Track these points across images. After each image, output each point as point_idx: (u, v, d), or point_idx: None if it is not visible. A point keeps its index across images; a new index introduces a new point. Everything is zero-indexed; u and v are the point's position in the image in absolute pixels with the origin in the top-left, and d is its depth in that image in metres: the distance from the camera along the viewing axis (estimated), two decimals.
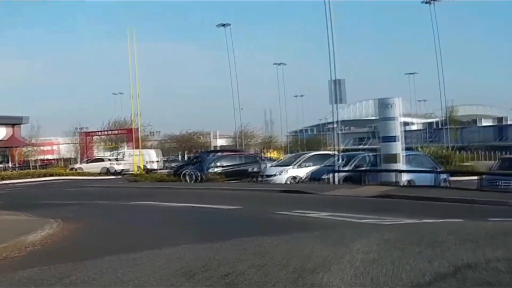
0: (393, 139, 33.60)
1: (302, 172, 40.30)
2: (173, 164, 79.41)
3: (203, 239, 14.87)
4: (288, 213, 21.41)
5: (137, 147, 73.55)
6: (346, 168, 37.47)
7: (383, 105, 34.01)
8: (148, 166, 76.29)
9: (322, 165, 40.21)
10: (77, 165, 79.82)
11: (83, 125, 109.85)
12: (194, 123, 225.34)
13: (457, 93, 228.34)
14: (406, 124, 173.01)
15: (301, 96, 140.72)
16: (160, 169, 77.73)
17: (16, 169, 74.43)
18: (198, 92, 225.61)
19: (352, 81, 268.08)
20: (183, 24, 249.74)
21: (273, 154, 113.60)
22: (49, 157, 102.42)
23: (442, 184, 34.65)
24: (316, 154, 43.96)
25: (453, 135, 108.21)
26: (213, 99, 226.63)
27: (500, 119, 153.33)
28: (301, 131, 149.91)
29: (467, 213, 21.68)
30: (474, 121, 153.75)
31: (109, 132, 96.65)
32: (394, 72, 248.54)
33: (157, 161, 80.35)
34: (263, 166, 47.55)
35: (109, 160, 77.29)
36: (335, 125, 39.99)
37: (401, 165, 33.75)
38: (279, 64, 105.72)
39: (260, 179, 42.71)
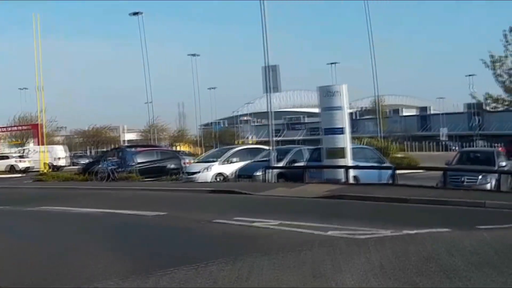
0: (339, 131, 29.30)
1: (230, 168, 35.84)
2: (81, 161, 74.50)
3: (135, 268, 11.54)
4: (228, 222, 17.76)
5: (43, 143, 67.49)
6: (281, 164, 33.00)
7: (327, 93, 29.69)
8: (54, 163, 71.13)
9: (252, 160, 36.03)
10: None
11: None
12: (103, 118, 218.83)
13: (380, 84, 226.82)
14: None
15: (214, 88, 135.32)
16: (67, 166, 73.29)
17: None
18: (109, 86, 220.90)
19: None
20: (93, 18, 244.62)
21: (185, 148, 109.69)
22: None
23: (390, 181, 30.62)
24: (243, 149, 39.36)
25: (383, 125, 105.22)
26: (123, 93, 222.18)
27: (423, 108, 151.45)
28: (213, 124, 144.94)
29: (447, 219, 18.61)
30: (396, 111, 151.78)
31: (13, 128, 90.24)
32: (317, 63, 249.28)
33: (64, 158, 74.47)
34: (182, 162, 42.77)
35: (14, 157, 70.65)
36: (269, 117, 35.11)
37: (349, 161, 29.39)
38: (193, 55, 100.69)
39: (181, 177, 38.02)
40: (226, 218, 18.27)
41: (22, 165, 67.64)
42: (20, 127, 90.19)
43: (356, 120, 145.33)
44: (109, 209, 22.43)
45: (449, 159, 30.45)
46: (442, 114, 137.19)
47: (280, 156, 34.89)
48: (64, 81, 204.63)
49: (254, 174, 33.36)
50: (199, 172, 35.61)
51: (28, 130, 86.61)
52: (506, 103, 40.41)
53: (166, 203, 25.01)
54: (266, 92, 33.08)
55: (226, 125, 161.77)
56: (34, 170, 63.05)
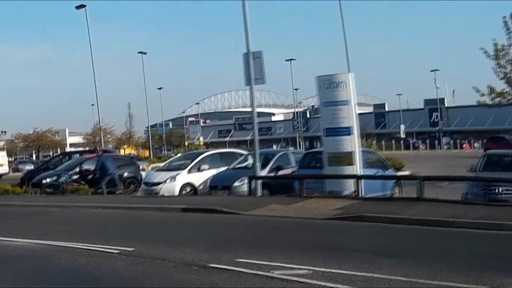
0: (345, 131, 23.04)
1: (200, 178, 29.36)
2: (26, 167, 67.37)
3: None
4: (233, 268, 11.89)
5: None
6: (264, 172, 26.64)
7: (329, 84, 23.40)
8: None
9: (226, 167, 29.64)
10: None
11: None
12: (46, 121, 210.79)
13: None
14: (270, 114, 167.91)
15: (160, 88, 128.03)
16: (7, 173, 65.99)
17: None
18: (52, 89, 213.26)
19: (217, 70, 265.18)
20: (35, 20, 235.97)
21: (131, 151, 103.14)
22: None
23: (394, 191, 24.95)
24: (214, 153, 32.22)
25: None
26: (68, 95, 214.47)
27: (380, 106, 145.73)
28: (160, 125, 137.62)
29: None
30: None
31: None
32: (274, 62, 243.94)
33: (3, 165, 66.66)
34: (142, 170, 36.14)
35: None
36: (254, 115, 28.43)
37: (358, 168, 23.16)
38: (142, 53, 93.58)
39: (140, 188, 31.35)
40: (226, 260, 12.59)
41: None
42: None
43: (309, 118, 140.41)
44: (55, 241, 16.28)
45: (473, 165, 24.03)
46: (400, 110, 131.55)
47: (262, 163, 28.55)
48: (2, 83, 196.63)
49: (233, 185, 27.01)
50: (162, 182, 28.95)
51: None
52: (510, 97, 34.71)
53: (131, 229, 19.02)
54: (249, 84, 26.58)
55: (172, 126, 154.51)
56: None
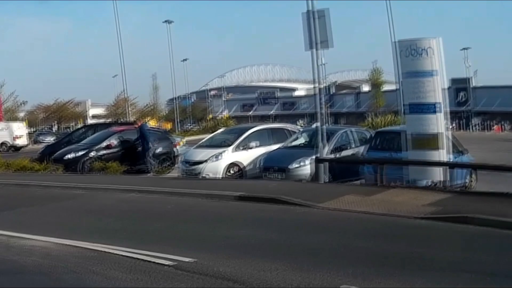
0: (430, 108, 18.54)
1: (248, 156, 25.10)
2: (46, 139, 63.42)
3: None
4: None
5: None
6: (325, 153, 22.26)
7: (411, 50, 18.86)
8: (12, 143, 60.50)
9: (279, 145, 25.37)
10: None
11: None
12: (67, 92, 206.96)
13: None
14: (292, 90, 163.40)
15: (185, 60, 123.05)
16: (28, 145, 62.79)
17: None
18: (74, 61, 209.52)
19: (236, 46, 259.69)
20: None
21: (152, 124, 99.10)
22: None
23: (466, 180, 20.82)
24: (263, 129, 27.26)
25: (379, 100, 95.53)
26: (90, 66, 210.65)
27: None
28: (184, 98, 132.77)
29: None
30: (356, 88, 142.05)
31: None
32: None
33: (23, 136, 62.70)
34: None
35: None
36: (316, 85, 23.72)
37: (445, 153, 18.72)
38: (168, 22, 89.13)
39: (177, 167, 27.18)
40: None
41: None
42: None
43: (332, 95, 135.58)
44: (82, 241, 12.45)
45: None
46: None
47: (314, 139, 24.04)
48: (26, 55, 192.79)
49: (289, 166, 22.69)
50: (205, 161, 24.65)
51: None
52: None
53: (180, 225, 14.86)
54: (311, 48, 22.07)
55: (195, 99, 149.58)
56: None
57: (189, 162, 25.28)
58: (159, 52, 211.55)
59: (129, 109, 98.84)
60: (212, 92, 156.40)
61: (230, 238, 12.83)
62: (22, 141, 62.01)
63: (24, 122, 72.15)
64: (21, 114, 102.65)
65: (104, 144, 29.75)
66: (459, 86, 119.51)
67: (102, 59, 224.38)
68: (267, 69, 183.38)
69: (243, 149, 25.11)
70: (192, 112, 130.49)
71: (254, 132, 26.16)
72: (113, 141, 29.98)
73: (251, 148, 25.18)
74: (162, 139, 31.60)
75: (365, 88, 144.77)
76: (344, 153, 23.59)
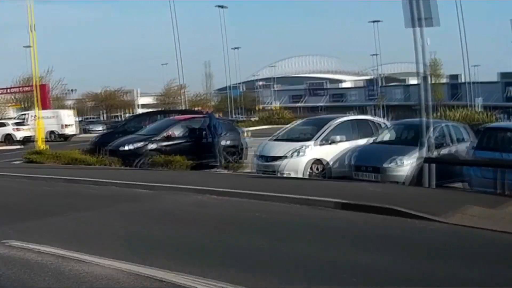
0: None
1: (332, 152, 21.30)
2: (95, 128, 60.47)
3: None
4: None
5: (45, 107, 52.13)
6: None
7: None
8: (61, 131, 57.37)
9: (364, 140, 21.64)
10: None
11: None
12: (115, 81, 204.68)
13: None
14: (339, 81, 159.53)
15: (237, 48, 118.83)
16: (77, 135, 59.68)
17: None
18: (122, 49, 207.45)
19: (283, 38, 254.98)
20: None
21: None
22: None
23: None
24: (347, 121, 23.13)
25: (437, 92, 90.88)
26: (139, 54, 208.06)
27: (454, 76, 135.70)
28: (234, 87, 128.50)
29: None
30: (402, 80, 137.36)
31: (13, 90, 75.31)
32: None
33: (73, 125, 59.61)
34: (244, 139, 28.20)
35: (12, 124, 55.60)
36: (421, 71, 19.69)
37: None
38: (221, 7, 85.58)
39: (253, 163, 23.12)
40: None
41: (20, 134, 52.94)
42: (21, 89, 75.05)
43: (382, 87, 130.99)
44: (158, 268, 9.11)
45: None
46: (475, 83, 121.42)
47: (407, 134, 21.31)
48: (73, 42, 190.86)
49: (384, 165, 18.93)
50: (284, 157, 20.96)
51: (32, 92, 72.38)
52: None
53: (281, 246, 10.90)
54: (413, 25, 18.25)
55: (244, 89, 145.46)
56: (35, 139, 48.01)
57: (266, 157, 21.60)
58: (209, 39, 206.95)
59: (178, 98, 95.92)
60: (260, 83, 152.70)
61: (363, 267, 9.16)
62: (71, 130, 58.94)
63: (73, 110, 69.06)
64: (69, 102, 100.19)
65: (165, 134, 26.22)
66: (508, 81, 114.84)
67: (150, 47, 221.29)
68: (313, 60, 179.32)
69: (326, 143, 21.40)
70: (241, 102, 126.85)
71: (339, 124, 22.37)
72: (175, 131, 26.45)
73: (335, 142, 21.46)
74: (230, 130, 27.84)
75: (412, 81, 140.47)
76: (445, 151, 19.78)
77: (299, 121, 25.53)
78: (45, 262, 9.64)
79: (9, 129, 53.53)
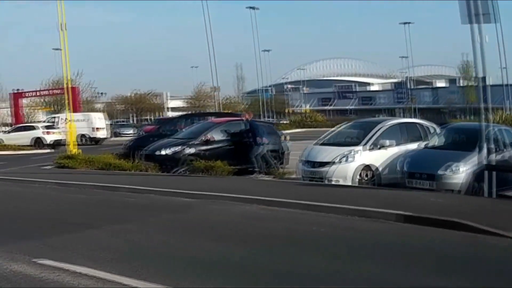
0: None
1: (381, 157, 19.79)
2: (125, 131, 59.25)
3: None
4: None
5: (76, 110, 51.15)
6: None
7: None
8: (92, 135, 56.02)
9: (414, 144, 20.14)
10: None
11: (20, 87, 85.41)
12: (144, 84, 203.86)
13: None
14: (366, 84, 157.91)
15: (267, 51, 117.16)
16: (108, 138, 58.72)
17: None
18: (151, 51, 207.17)
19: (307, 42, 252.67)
20: None
21: None
22: None
23: None
24: (396, 124, 21.63)
25: (470, 95, 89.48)
26: (168, 57, 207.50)
27: (482, 79, 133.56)
28: (265, 90, 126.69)
29: None
30: (453, 81, 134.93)
31: (43, 93, 74.52)
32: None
33: (104, 128, 58.30)
34: (285, 142, 26.75)
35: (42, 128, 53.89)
36: (480, 71, 18.22)
37: None
38: (252, 8, 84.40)
39: (298, 169, 21.26)
40: None
41: (50, 137, 51.25)
42: (51, 91, 74.22)
43: (411, 89, 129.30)
44: None
45: None
46: (506, 85, 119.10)
47: (460, 138, 20.13)
48: (102, 45, 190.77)
49: (439, 172, 17.47)
50: (332, 163, 19.54)
51: (62, 95, 71.35)
52: None
53: (352, 267, 9.51)
54: (469, 22, 16.85)
55: (273, 92, 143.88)
56: (65, 143, 46.61)
57: (313, 163, 20.18)
58: (238, 42, 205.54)
59: (208, 101, 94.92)
60: (289, 86, 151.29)
61: None
62: (102, 134, 57.79)
63: (104, 113, 67.83)
64: (98, 105, 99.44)
65: (204, 138, 24.88)
66: None
67: (179, 49, 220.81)
68: (340, 63, 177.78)
69: (375, 148, 19.96)
70: (270, 105, 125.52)
71: (388, 128, 20.90)
72: (214, 135, 25.10)
73: (384, 147, 20.02)
74: (270, 133, 26.31)
75: (439, 83, 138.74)
76: (499, 157, 18.29)
77: (344, 125, 24.06)
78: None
79: (38, 133, 51.89)
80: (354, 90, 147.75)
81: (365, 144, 19.87)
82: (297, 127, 66.30)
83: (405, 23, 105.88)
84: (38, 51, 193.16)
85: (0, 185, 22.77)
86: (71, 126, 34.91)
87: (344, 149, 19.83)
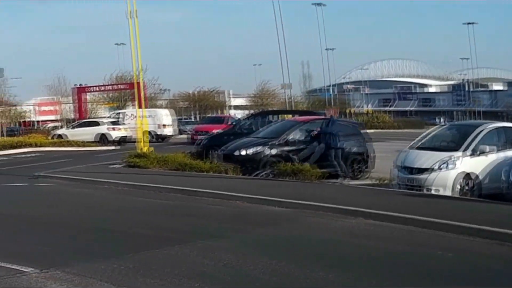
0: None
1: (482, 164, 17.58)
2: (190, 128, 57.25)
3: None
4: None
5: (141, 107, 49.69)
6: None
7: None
8: (159, 132, 53.37)
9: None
10: (60, 131, 54.86)
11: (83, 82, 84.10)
12: (206, 81, 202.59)
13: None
14: (423, 86, 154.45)
15: (331, 49, 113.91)
16: (175, 135, 56.17)
17: None
18: (212, 49, 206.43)
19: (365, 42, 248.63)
20: None
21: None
22: (52, 118, 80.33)
23: None
24: (496, 128, 19.02)
25: None
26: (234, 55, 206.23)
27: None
28: (326, 89, 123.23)
29: None
30: (485, 85, 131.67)
31: (108, 87, 73.12)
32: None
33: (171, 125, 56.04)
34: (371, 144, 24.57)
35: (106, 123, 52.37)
36: None
37: None
38: (318, 5, 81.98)
39: (396, 174, 18.70)
40: None
41: (115, 134, 49.60)
42: (116, 87, 72.85)
43: (469, 92, 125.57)
44: None
45: None
46: None
47: None
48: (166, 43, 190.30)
49: None
50: (431, 169, 17.38)
51: (126, 90, 70.77)
52: None
53: None
54: None
55: (336, 92, 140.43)
56: (131, 140, 45.45)
57: (411, 169, 18.01)
58: (302, 40, 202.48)
59: (271, 100, 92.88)
60: (350, 86, 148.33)
61: None
62: (169, 131, 55.39)
63: (172, 110, 65.49)
64: (161, 102, 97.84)
65: (286, 137, 22.93)
66: None
67: (242, 47, 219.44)
68: (398, 64, 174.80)
69: (475, 154, 17.73)
70: (336, 105, 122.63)
71: (487, 132, 18.61)
72: (296, 135, 23.05)
73: (484, 153, 17.77)
74: (354, 134, 24.22)
75: (496, 86, 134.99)
76: None
77: (440, 127, 21.82)
78: None
79: (103, 129, 50.11)
80: (414, 91, 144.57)
81: (465, 149, 17.65)
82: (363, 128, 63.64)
83: (469, 23, 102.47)
84: (101, 46, 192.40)
85: (67, 186, 21.27)
86: (143, 122, 32.71)
87: (444, 155, 17.64)
